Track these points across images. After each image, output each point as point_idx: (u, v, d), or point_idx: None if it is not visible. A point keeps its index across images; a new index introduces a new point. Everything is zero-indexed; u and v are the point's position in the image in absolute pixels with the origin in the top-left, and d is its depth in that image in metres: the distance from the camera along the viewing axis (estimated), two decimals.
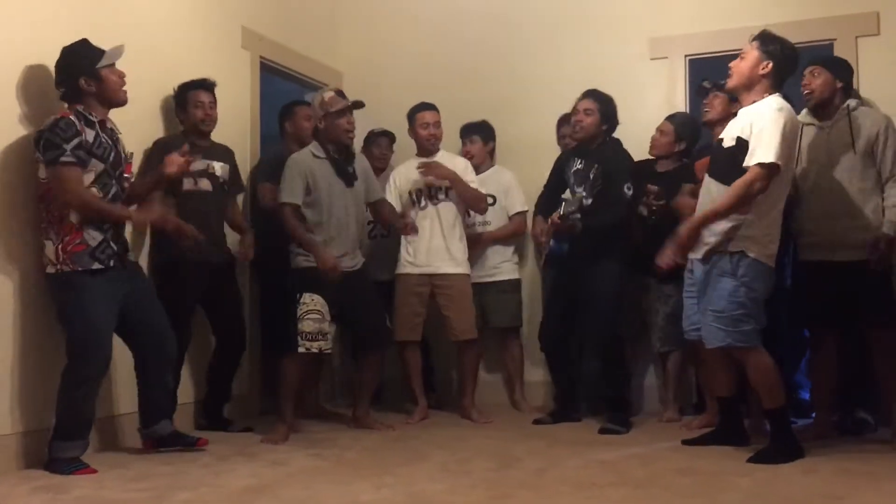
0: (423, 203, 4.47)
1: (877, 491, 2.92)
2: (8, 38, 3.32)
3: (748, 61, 3.42)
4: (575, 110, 4.21)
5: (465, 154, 4.77)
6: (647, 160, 4.37)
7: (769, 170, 3.28)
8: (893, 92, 4.25)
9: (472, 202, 4.50)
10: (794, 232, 3.82)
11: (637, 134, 4.38)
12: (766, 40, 3.42)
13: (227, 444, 3.77)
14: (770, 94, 3.41)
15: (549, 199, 4.44)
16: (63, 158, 3.18)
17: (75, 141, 3.20)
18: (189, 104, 3.97)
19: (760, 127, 3.31)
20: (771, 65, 3.39)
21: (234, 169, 4.19)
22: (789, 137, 3.32)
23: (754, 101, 3.41)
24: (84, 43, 3.34)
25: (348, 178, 4.05)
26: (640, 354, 4.56)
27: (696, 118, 4.35)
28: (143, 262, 3.90)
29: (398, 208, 4.46)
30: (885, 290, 3.64)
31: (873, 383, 3.86)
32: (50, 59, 3.36)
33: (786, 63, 3.42)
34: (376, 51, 5.44)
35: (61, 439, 3.23)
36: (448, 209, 4.47)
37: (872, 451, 3.54)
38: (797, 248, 3.84)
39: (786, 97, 3.47)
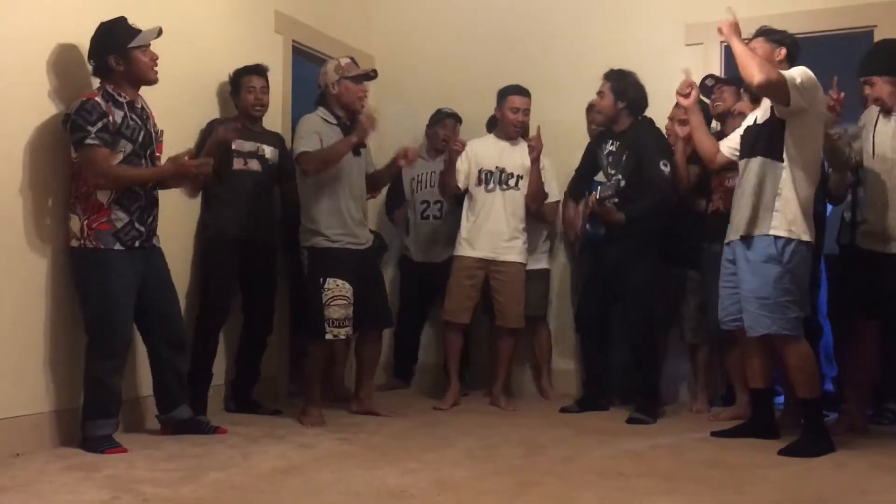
0: (490, 185, 4.43)
1: None
2: (41, 17, 3.35)
3: (763, 52, 3.40)
4: (597, 92, 4.21)
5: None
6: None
7: (783, 81, 3.25)
8: None
9: (538, 195, 4.45)
10: (852, 219, 3.76)
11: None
12: (768, 32, 3.47)
13: (256, 426, 3.80)
14: None
15: (580, 183, 4.43)
16: (88, 141, 3.22)
17: (100, 123, 3.23)
18: (242, 89, 4.06)
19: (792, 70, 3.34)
20: (784, 51, 3.42)
21: (284, 154, 4.20)
22: (809, 81, 3.31)
23: None
24: (120, 21, 3.35)
25: (357, 147, 4.00)
26: (670, 345, 4.52)
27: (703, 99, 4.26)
28: (190, 237, 4.00)
29: (467, 180, 4.42)
30: None
31: None
32: (82, 39, 3.38)
33: (795, 47, 3.47)
34: (408, 36, 5.42)
35: (91, 418, 3.29)
36: (515, 197, 4.43)
37: None
38: (855, 235, 3.74)
39: None
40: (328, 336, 3.87)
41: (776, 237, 3.34)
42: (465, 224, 4.45)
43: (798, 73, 3.31)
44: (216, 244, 3.97)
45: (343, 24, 5.21)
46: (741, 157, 3.55)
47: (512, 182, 4.44)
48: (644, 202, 4.01)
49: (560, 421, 4.08)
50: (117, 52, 3.31)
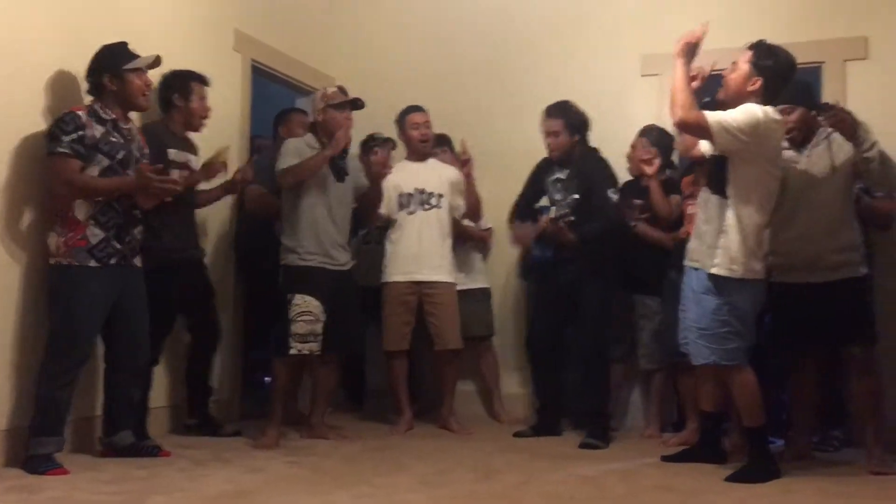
0: (412, 207, 4.45)
1: None
2: (26, 38, 3.40)
3: (739, 75, 3.35)
4: (544, 132, 4.23)
5: (451, 163, 4.77)
6: (630, 180, 4.38)
7: (705, 121, 3.20)
8: (881, 116, 4.27)
9: (475, 207, 4.53)
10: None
11: (626, 150, 4.40)
12: (762, 54, 3.33)
13: (204, 448, 3.73)
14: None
15: (525, 206, 4.40)
16: (58, 149, 3.25)
17: (74, 135, 3.27)
18: (194, 94, 3.91)
19: (738, 109, 3.27)
20: (760, 82, 3.32)
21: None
22: (755, 121, 3.21)
23: None
24: (121, 45, 3.44)
25: (339, 173, 4.02)
26: (627, 372, 4.55)
27: (668, 130, 4.33)
28: None
29: (388, 208, 4.44)
30: (861, 310, 3.64)
31: (844, 402, 3.90)
32: (44, 58, 3.45)
33: (777, 80, 3.33)
34: (368, 58, 5.44)
35: (37, 435, 3.21)
36: (438, 216, 4.45)
37: (848, 472, 3.55)
38: (772, 268, 3.72)
39: None
40: (292, 350, 3.84)
41: (716, 276, 3.34)
42: (389, 250, 4.46)
43: (741, 114, 3.22)
44: (158, 270, 3.70)
45: (303, 45, 5.22)
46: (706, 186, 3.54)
47: (433, 201, 4.45)
48: (594, 225, 4.06)
49: (514, 445, 4.08)
50: (112, 71, 3.39)
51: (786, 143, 3.71)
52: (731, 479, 3.33)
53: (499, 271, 4.97)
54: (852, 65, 4.44)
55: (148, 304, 3.53)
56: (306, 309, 3.86)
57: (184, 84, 3.90)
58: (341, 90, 4.08)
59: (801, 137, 3.68)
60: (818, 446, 4.00)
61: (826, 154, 3.65)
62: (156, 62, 3.49)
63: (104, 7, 3.78)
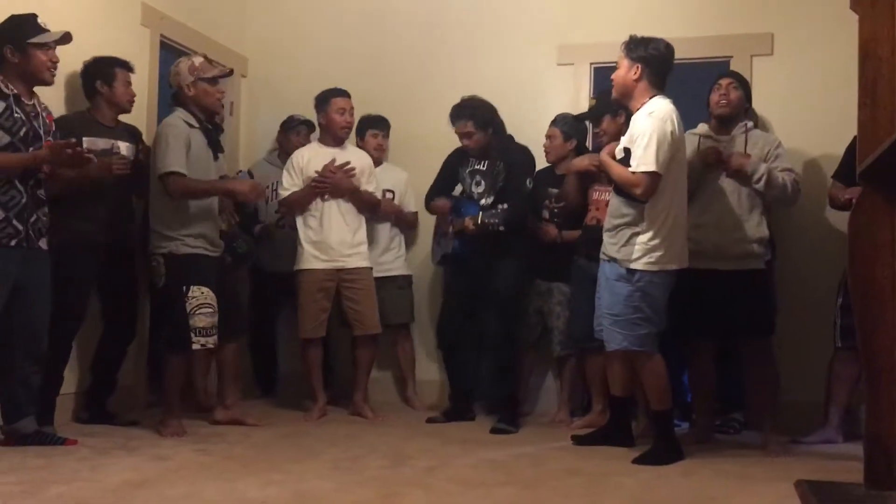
0: (326, 195, 4.40)
1: (749, 492, 3.04)
2: None
3: (621, 70, 3.52)
4: (457, 133, 4.24)
5: (376, 146, 4.73)
6: (546, 167, 4.43)
7: (651, 178, 3.37)
8: (784, 110, 4.47)
9: (368, 209, 4.45)
10: None
11: (542, 138, 4.44)
12: (632, 46, 3.49)
13: (108, 437, 3.62)
14: (650, 97, 3.47)
15: (437, 196, 4.41)
16: None
17: None
18: (117, 81, 3.85)
19: (637, 134, 3.41)
20: (639, 68, 3.46)
21: (140, 149, 4.02)
22: (662, 141, 3.36)
23: (638, 108, 3.50)
24: (29, 17, 3.32)
25: (216, 150, 3.92)
26: (539, 357, 4.60)
27: (577, 117, 4.40)
28: None
29: (297, 192, 4.35)
30: (762, 301, 3.79)
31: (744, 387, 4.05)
32: None
33: (658, 63, 3.48)
34: (283, 38, 5.32)
35: None
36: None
37: (746, 454, 3.68)
38: None
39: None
40: (195, 346, 3.74)
41: (629, 269, 3.44)
42: (304, 236, 4.37)
43: (655, 145, 3.33)
44: (70, 247, 3.70)
45: (215, 22, 5.06)
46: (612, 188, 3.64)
47: None
48: (509, 211, 4.08)
49: (426, 431, 4.09)
50: (14, 44, 3.25)
51: (707, 129, 3.86)
52: (638, 461, 3.42)
53: (418, 258, 4.95)
54: (759, 60, 4.58)
55: (61, 284, 3.44)
56: (204, 301, 3.74)
57: (107, 70, 3.86)
58: (207, 60, 3.93)
59: (729, 121, 3.85)
60: (720, 429, 4.15)
61: (741, 147, 3.79)
62: (65, 38, 3.36)
63: None
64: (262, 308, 4.88)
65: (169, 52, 4.70)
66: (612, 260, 3.50)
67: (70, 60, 3.89)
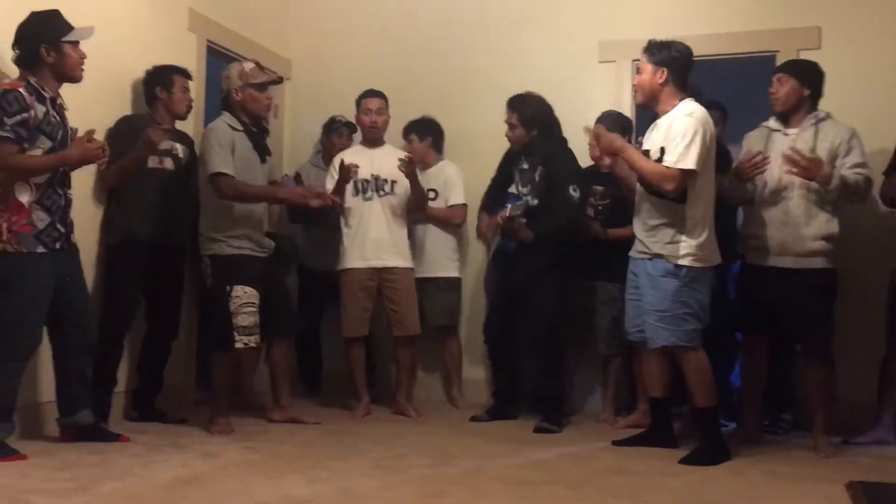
0: (368, 194, 4.42)
1: (798, 493, 3.00)
2: None
3: (646, 75, 3.53)
4: (506, 122, 4.26)
5: (418, 149, 4.76)
6: (591, 165, 4.41)
7: (686, 175, 3.38)
8: (832, 106, 4.35)
9: (420, 201, 4.48)
10: (742, 234, 3.90)
11: (585, 136, 4.42)
12: (654, 51, 3.52)
13: (159, 434, 3.69)
14: (679, 98, 3.50)
15: (495, 194, 4.45)
16: (1, 133, 3.11)
17: (18, 117, 3.14)
18: (175, 87, 4.00)
19: (676, 132, 3.41)
20: (666, 72, 3.48)
21: (193, 155, 4.13)
22: (703, 142, 3.40)
23: (667, 111, 3.51)
24: (55, 13, 3.29)
25: (263, 154, 3.98)
26: (585, 357, 4.58)
27: (623, 114, 4.40)
28: (92, 241, 3.83)
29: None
30: (824, 301, 3.70)
31: (793, 386, 3.99)
32: None
33: (680, 64, 3.51)
34: (326, 42, 5.38)
35: None
36: (394, 201, 4.44)
37: (796, 455, 3.64)
38: (745, 250, 3.88)
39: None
40: (238, 344, 3.80)
41: (676, 265, 3.46)
42: (345, 235, 4.42)
43: (698, 145, 3.37)
44: (125, 247, 3.83)
45: (260, 26, 5.14)
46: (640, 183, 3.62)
47: (387, 188, 4.42)
48: (550, 222, 4.08)
49: (469, 430, 4.10)
50: (50, 42, 3.23)
51: (777, 123, 3.76)
52: (685, 461, 3.40)
53: (472, 259, 4.96)
54: (806, 55, 4.48)
55: (114, 284, 3.52)
56: (247, 300, 3.80)
57: (166, 77, 3.99)
58: (259, 66, 3.98)
59: (789, 114, 3.74)
60: (768, 429, 4.09)
61: (811, 140, 3.68)
62: (92, 32, 3.35)
63: None
64: (309, 306, 4.93)
65: (215, 56, 4.79)
66: (657, 257, 3.49)
67: (119, 68, 4.01)
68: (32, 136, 3.19)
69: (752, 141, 3.85)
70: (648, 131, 3.67)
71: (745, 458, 3.49)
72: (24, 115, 3.14)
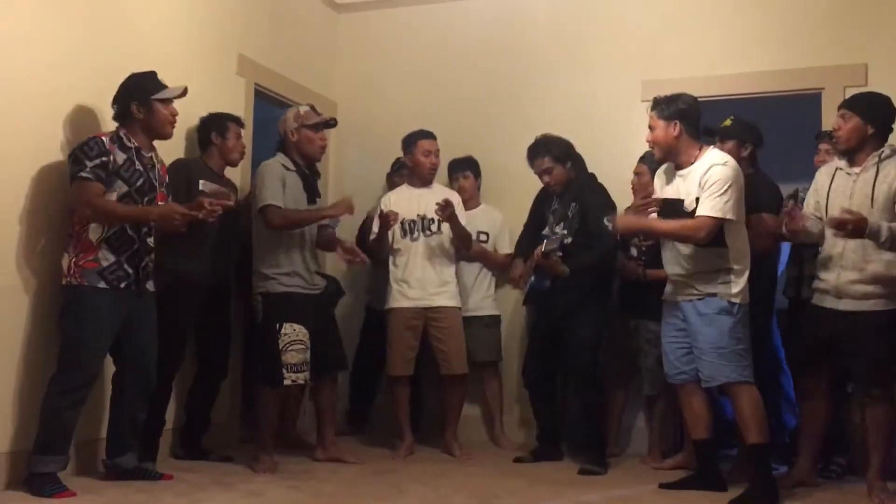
0: (415, 234, 4.47)
1: None
2: (50, 71, 3.50)
3: (660, 131, 3.56)
4: (537, 174, 4.29)
5: (459, 189, 4.79)
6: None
7: (717, 224, 3.43)
8: None
9: (464, 241, 4.50)
10: (806, 274, 3.90)
11: (627, 175, 4.42)
12: (663, 106, 3.56)
13: (203, 473, 3.72)
14: (699, 148, 3.55)
15: (528, 238, 4.45)
16: (82, 174, 3.31)
17: (98, 160, 3.33)
18: (230, 133, 4.13)
19: (712, 181, 3.43)
20: (678, 124, 3.52)
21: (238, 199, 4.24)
22: (738, 189, 3.46)
23: (692, 162, 3.53)
24: (150, 74, 3.52)
25: (313, 195, 4.04)
26: (630, 396, 4.53)
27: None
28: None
29: (390, 237, 4.43)
30: (884, 346, 3.54)
31: (847, 430, 3.92)
32: (54, 84, 3.50)
33: (692, 115, 3.56)
34: (371, 84, 5.47)
35: (40, 453, 3.22)
36: (441, 241, 4.47)
37: (848, 500, 3.54)
38: (801, 289, 3.92)
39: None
40: (287, 381, 3.83)
41: (730, 302, 3.49)
42: (392, 274, 4.46)
43: (734, 194, 3.42)
44: (176, 290, 3.87)
45: (306, 70, 5.25)
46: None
47: (434, 227, 4.46)
48: (587, 256, 4.08)
49: (514, 471, 4.06)
50: (140, 99, 3.45)
51: (842, 161, 3.65)
52: (735, 502, 3.32)
53: (508, 297, 4.96)
54: (852, 92, 4.44)
55: (164, 326, 3.60)
56: (296, 338, 3.84)
57: (221, 124, 4.14)
58: (314, 109, 4.07)
59: (852, 153, 3.59)
60: (820, 473, 3.97)
61: (871, 181, 3.51)
62: (183, 93, 3.55)
63: (112, 33, 3.82)
64: (370, 344, 4.94)
65: (263, 99, 4.90)
66: (709, 296, 3.50)
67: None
68: (110, 180, 3.36)
69: (820, 177, 3.75)
70: (667, 178, 3.66)
71: (797, 501, 3.40)
72: (104, 158, 3.34)
